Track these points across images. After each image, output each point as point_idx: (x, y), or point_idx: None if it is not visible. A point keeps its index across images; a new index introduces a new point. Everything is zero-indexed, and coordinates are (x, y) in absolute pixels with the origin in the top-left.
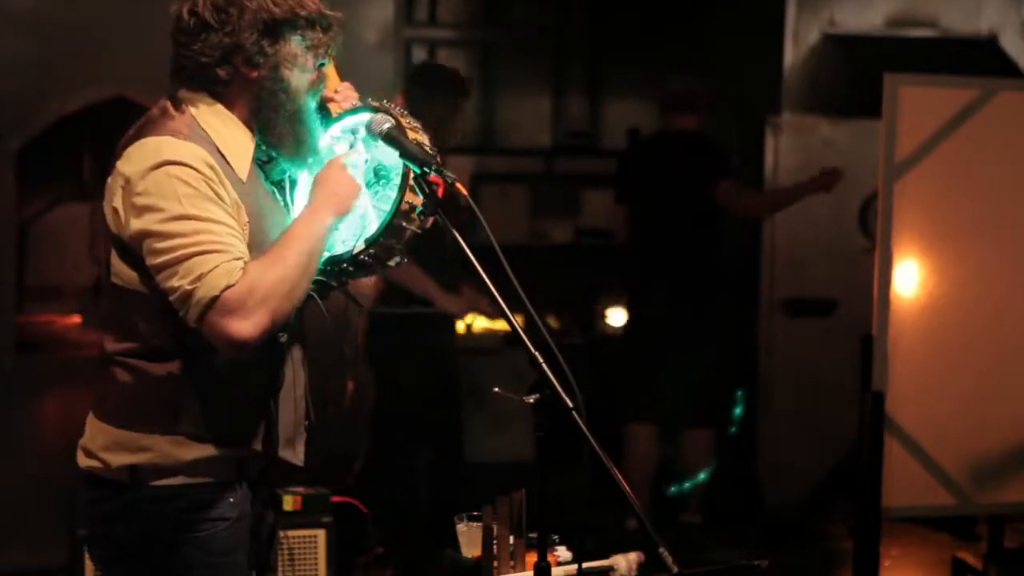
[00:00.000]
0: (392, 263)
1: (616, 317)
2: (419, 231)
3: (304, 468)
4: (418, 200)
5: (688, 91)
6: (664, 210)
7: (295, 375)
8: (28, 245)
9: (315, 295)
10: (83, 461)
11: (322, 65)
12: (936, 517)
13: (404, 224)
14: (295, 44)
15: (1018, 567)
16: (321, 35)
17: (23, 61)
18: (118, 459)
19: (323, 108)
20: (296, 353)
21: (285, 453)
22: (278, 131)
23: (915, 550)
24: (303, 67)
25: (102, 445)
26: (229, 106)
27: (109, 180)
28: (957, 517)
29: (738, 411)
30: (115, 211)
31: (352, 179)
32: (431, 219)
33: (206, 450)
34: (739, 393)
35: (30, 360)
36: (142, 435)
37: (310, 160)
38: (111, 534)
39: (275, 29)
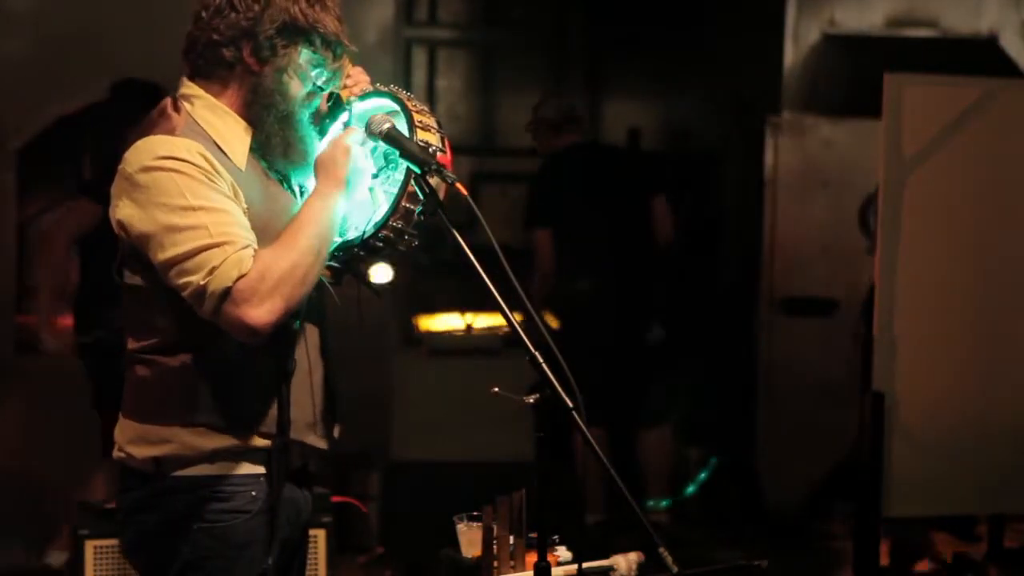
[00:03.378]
0: (403, 247)
1: None
2: (430, 215)
3: (330, 453)
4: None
5: (568, 107)
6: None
7: (312, 361)
8: (28, 245)
9: (327, 282)
10: (115, 453)
11: (322, 91)
12: (936, 517)
13: (411, 206)
14: (304, 56)
15: (1018, 567)
16: (332, 58)
17: (23, 61)
18: (143, 451)
19: (335, 96)
20: (312, 339)
21: (307, 437)
22: (266, 130)
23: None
24: (304, 79)
25: (128, 440)
26: (228, 96)
27: (112, 187)
28: (957, 517)
29: (703, 475)
30: (119, 216)
31: (355, 157)
32: (442, 195)
33: (227, 440)
34: (712, 460)
35: (30, 360)
36: (163, 427)
37: (300, 165)
38: (135, 522)
39: (292, 33)
